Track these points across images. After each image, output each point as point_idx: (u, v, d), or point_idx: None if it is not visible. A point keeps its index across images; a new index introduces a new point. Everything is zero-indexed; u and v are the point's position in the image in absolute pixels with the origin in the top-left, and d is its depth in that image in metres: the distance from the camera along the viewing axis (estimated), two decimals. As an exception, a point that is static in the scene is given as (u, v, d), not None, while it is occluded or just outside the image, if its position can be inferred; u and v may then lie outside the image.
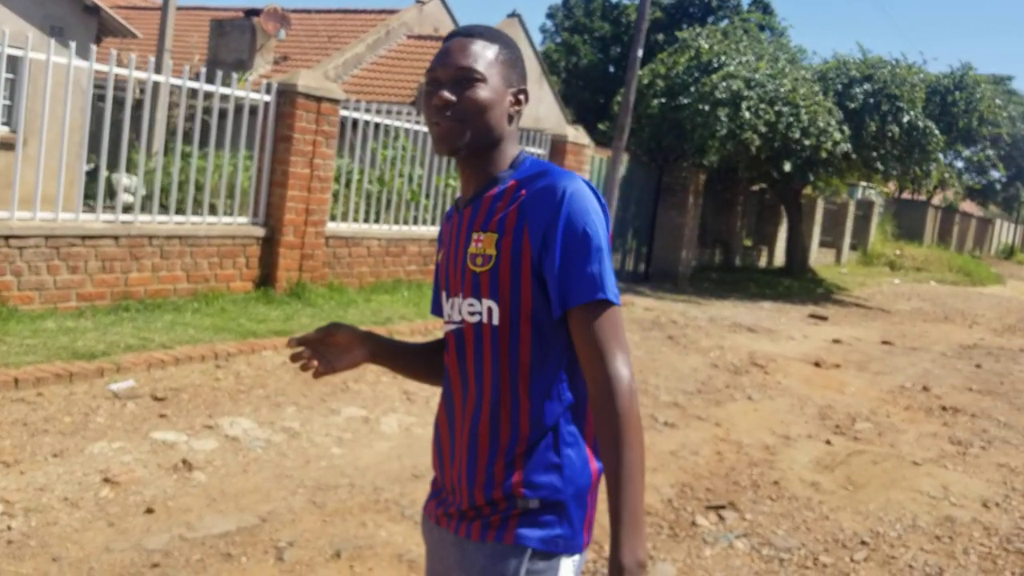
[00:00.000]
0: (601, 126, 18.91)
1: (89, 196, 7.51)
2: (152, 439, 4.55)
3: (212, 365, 5.91)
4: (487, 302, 1.59)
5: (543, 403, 1.59)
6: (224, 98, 7.80)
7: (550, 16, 32.52)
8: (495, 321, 1.59)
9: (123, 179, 7.58)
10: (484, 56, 1.61)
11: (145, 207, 7.68)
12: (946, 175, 18.45)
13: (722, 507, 4.56)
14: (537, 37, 32.93)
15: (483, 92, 1.60)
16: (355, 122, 9.15)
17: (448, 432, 1.69)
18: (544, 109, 20.49)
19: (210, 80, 7.66)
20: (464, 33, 1.65)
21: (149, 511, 3.76)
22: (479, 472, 1.61)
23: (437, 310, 1.81)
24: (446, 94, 1.59)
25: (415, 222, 10.09)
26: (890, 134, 15.30)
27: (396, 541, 3.72)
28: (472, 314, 1.62)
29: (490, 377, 1.61)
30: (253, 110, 8.11)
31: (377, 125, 9.43)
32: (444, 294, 1.73)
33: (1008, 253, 51.09)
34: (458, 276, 1.64)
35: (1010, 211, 52.68)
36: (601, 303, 1.53)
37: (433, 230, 10.18)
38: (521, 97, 1.68)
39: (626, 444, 1.49)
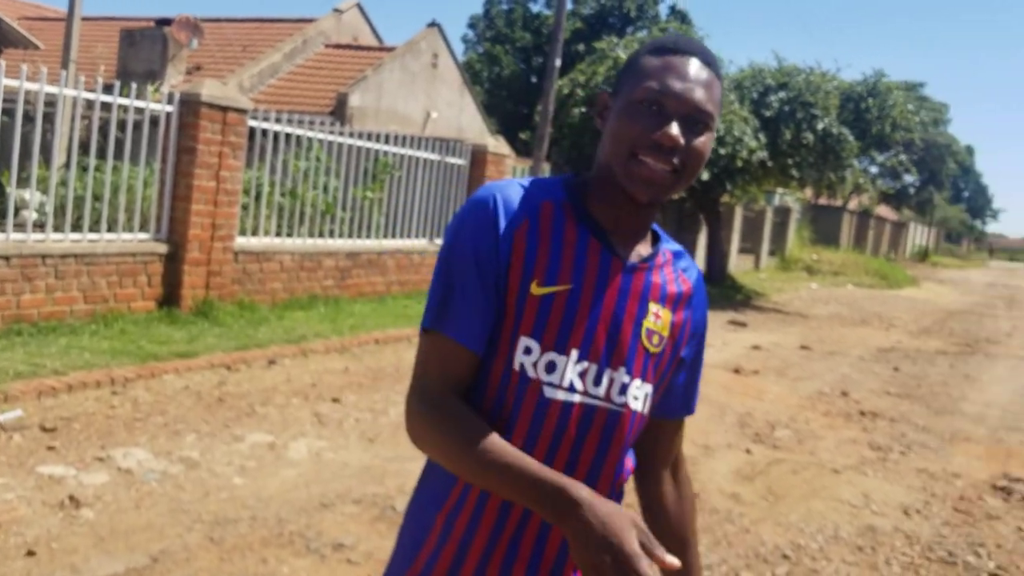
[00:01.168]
0: (523, 136, 18.85)
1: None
2: (38, 474, 4.23)
3: (108, 391, 5.58)
4: (646, 387, 1.40)
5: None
6: (125, 110, 7.46)
7: (471, 26, 32.50)
8: (645, 410, 1.41)
9: (27, 195, 7.20)
10: (716, 95, 1.34)
11: (39, 225, 7.28)
12: (861, 180, 18.86)
13: (643, 525, 4.44)
14: (458, 47, 32.88)
15: (708, 144, 1.34)
16: (265, 133, 8.87)
17: (511, 533, 1.34)
18: (466, 119, 20.37)
19: (109, 91, 7.32)
20: (701, 55, 1.33)
21: (30, 553, 3.47)
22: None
23: (472, 339, 1.31)
24: (677, 133, 1.29)
25: (331, 235, 9.82)
26: (805, 141, 15.56)
27: (299, 577, 3.49)
28: (636, 398, 1.38)
29: (613, 468, 1.39)
30: (157, 122, 7.78)
31: (288, 136, 9.15)
32: (551, 347, 1.32)
33: (922, 255, 52.78)
34: (623, 346, 1.35)
35: (923, 214, 54.54)
36: None
37: (350, 243, 9.93)
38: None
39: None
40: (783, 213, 27.86)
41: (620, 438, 1.37)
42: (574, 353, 1.31)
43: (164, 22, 18.02)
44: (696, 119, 1.30)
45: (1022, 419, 7.96)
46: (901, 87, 19.16)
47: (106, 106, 7.40)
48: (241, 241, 8.43)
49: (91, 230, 7.22)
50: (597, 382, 1.33)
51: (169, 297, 7.66)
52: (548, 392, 1.31)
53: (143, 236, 7.61)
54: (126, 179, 7.47)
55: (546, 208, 1.35)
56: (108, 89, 7.35)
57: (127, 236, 7.45)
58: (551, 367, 1.31)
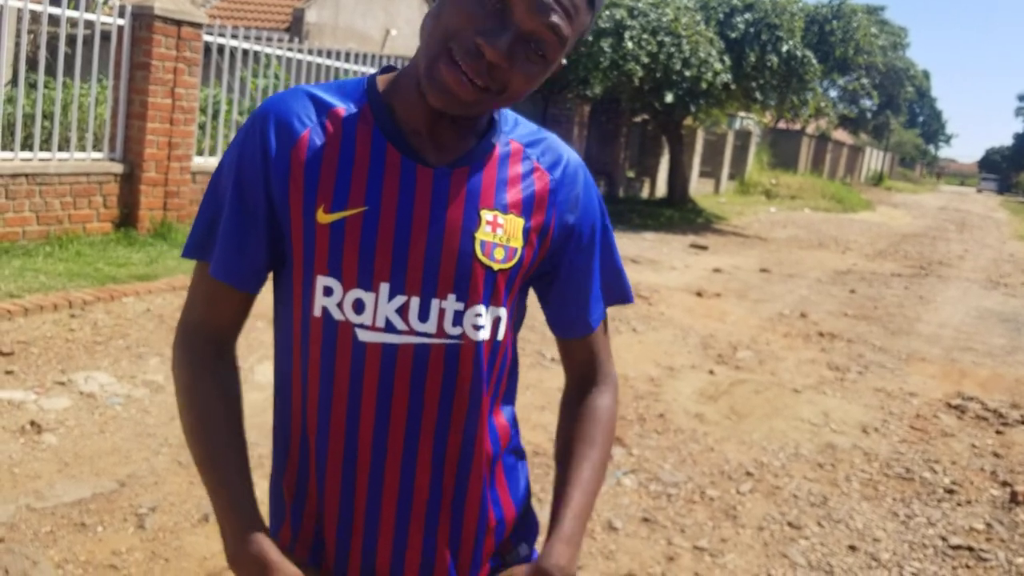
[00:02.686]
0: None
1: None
2: (-3, 398, 4.15)
3: (66, 315, 5.47)
4: (497, 311, 1.17)
5: (512, 423, 1.29)
6: (73, 23, 7.16)
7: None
8: (499, 335, 1.18)
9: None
10: (579, 22, 1.07)
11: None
12: (822, 104, 18.87)
13: (610, 444, 4.50)
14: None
15: (541, 77, 1.09)
16: (222, 49, 8.58)
17: (367, 493, 1.18)
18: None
19: (57, 3, 7.01)
20: None
21: (-7, 479, 3.42)
22: (451, 532, 1.22)
23: (234, 276, 1.16)
24: (506, 52, 1.03)
25: (290, 156, 9.61)
26: (769, 64, 15.48)
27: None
28: (477, 328, 1.15)
29: (465, 412, 1.18)
30: (108, 37, 7.49)
31: (246, 52, 8.87)
32: (354, 284, 1.11)
33: (877, 180, 53.36)
34: (448, 269, 1.12)
35: (880, 139, 54.98)
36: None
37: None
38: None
39: (607, 453, 1.26)
40: (743, 137, 27.89)
41: (467, 376, 1.15)
42: (384, 288, 1.11)
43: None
44: (540, 40, 1.05)
45: (975, 340, 8.15)
46: (863, 11, 19.07)
47: (54, 19, 7.10)
48: (199, 161, 8.23)
49: (42, 149, 6.99)
50: (424, 317, 1.12)
51: (126, 218, 7.49)
52: (362, 336, 1.11)
53: (97, 155, 7.38)
54: (77, 96, 7.21)
55: (335, 116, 1.13)
56: (55, 2, 7.04)
57: (80, 155, 7.23)
58: (359, 306, 1.11)
